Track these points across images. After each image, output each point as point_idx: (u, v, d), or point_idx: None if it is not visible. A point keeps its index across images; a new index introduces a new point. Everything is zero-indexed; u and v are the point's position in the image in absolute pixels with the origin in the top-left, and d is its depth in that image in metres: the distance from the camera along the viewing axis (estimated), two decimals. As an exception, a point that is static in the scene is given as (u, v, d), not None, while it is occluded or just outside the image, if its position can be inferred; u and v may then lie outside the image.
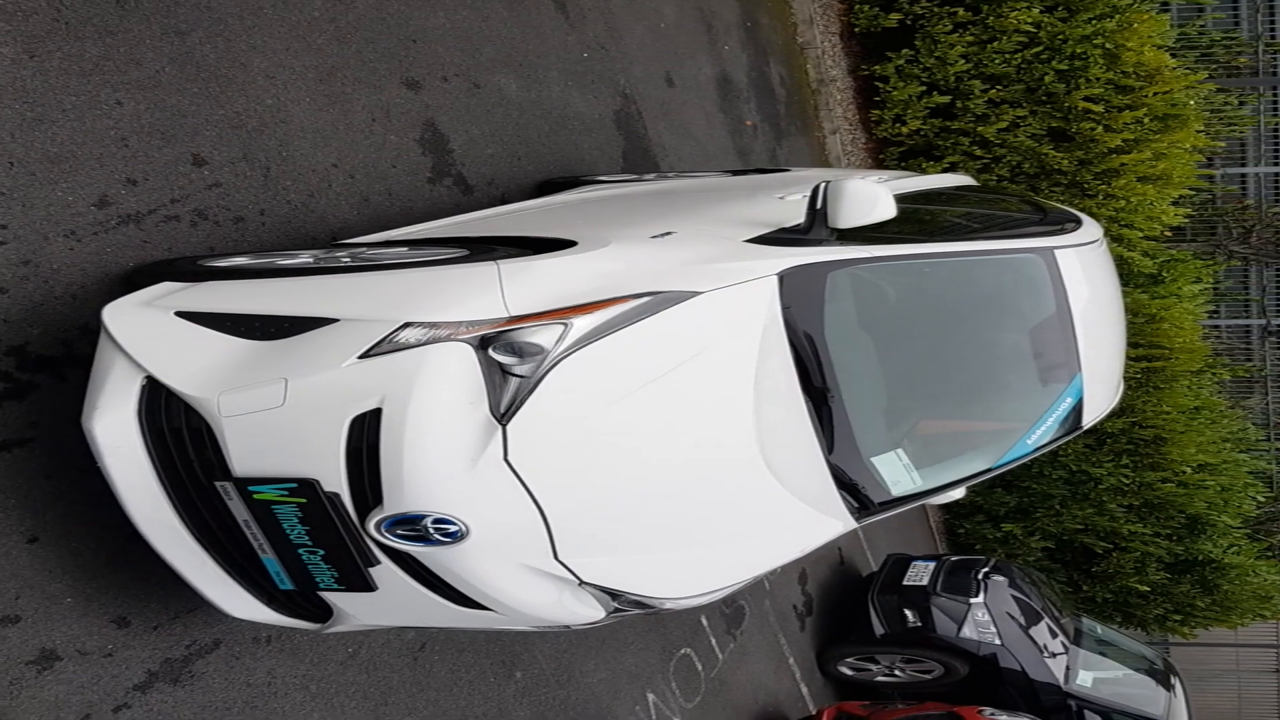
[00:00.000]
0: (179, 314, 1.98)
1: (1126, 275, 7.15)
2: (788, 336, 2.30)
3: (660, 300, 2.08)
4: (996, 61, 6.47)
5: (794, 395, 2.34)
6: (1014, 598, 5.85)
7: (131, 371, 1.90)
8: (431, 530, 1.90)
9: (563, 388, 1.93)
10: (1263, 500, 8.09)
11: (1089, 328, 2.94)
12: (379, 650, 2.90)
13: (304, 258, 2.29)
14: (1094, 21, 6.27)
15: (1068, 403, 2.98)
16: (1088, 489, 7.49)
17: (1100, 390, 3.10)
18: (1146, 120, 6.58)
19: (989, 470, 2.91)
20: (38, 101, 2.19)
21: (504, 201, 3.69)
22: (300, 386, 1.85)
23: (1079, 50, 6.32)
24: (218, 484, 1.90)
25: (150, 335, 1.94)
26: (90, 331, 2.23)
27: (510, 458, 1.91)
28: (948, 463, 2.79)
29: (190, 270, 2.16)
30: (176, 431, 1.91)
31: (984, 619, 5.63)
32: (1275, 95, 8.16)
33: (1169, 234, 7.41)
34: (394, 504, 1.87)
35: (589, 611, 2.18)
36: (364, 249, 2.37)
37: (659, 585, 2.24)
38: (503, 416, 1.90)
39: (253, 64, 2.73)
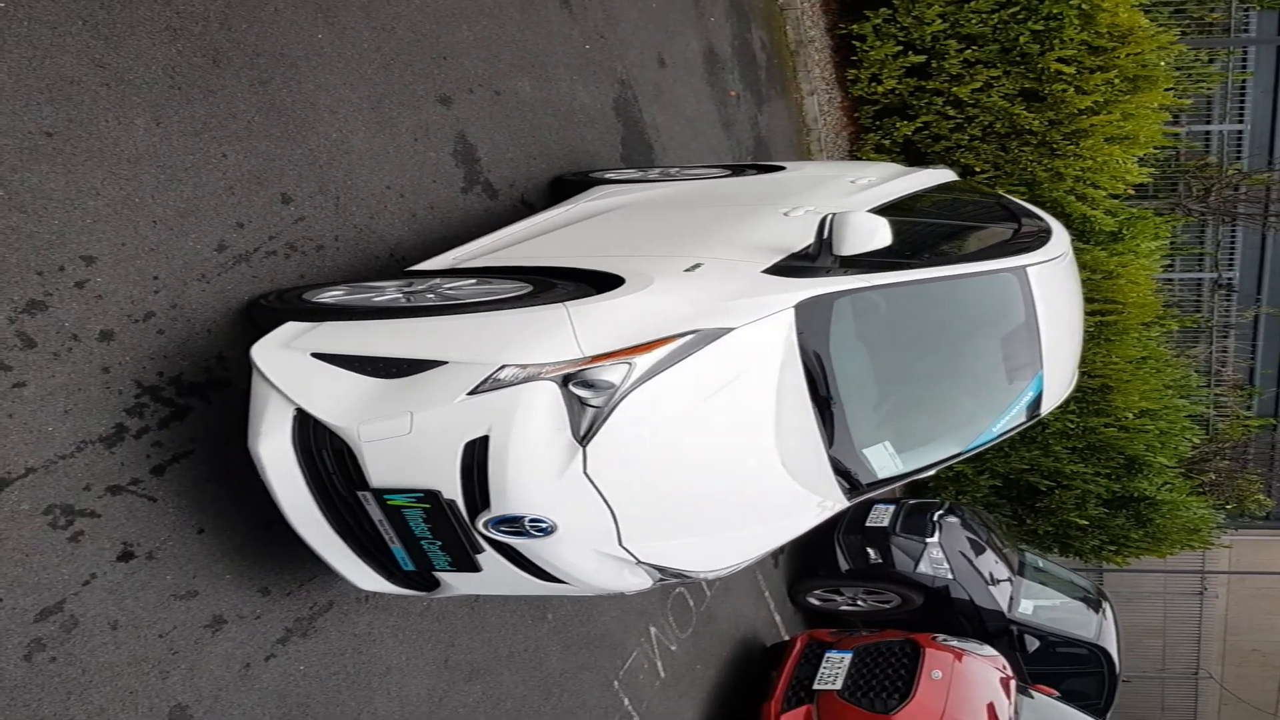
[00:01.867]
0: (315, 355, 2.64)
1: (1088, 233, 7.98)
2: (801, 357, 3.00)
3: (702, 337, 2.78)
4: (973, 21, 7.10)
5: (804, 403, 3.06)
6: (965, 537, 7.02)
7: (284, 404, 2.58)
8: (528, 527, 2.64)
9: (629, 417, 2.65)
10: (1198, 442, 9.27)
11: (1052, 331, 3.66)
12: (446, 603, 3.75)
13: (391, 292, 2.96)
14: None
15: (1029, 396, 3.72)
16: (1035, 433, 8.58)
17: (1057, 383, 3.85)
18: (1117, 82, 7.25)
19: (960, 453, 3.70)
20: (167, 164, 2.80)
21: (525, 203, 4.35)
22: (423, 418, 2.54)
23: (1055, 10, 6.96)
24: (360, 493, 2.60)
25: (295, 374, 2.60)
26: (224, 359, 2.93)
27: (589, 471, 2.63)
28: (925, 448, 3.57)
29: (297, 305, 2.83)
30: (322, 451, 2.61)
31: (938, 556, 6.78)
32: (1245, 54, 8.93)
33: (1131, 192, 8.27)
34: (500, 507, 2.59)
35: (640, 582, 2.96)
36: (439, 281, 3.05)
37: (697, 561, 3.03)
38: (582, 439, 2.62)
39: (320, 102, 3.33)
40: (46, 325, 2.47)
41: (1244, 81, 9.10)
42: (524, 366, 2.58)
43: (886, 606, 6.96)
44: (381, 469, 2.56)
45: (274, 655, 3.04)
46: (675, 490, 2.84)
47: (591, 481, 2.63)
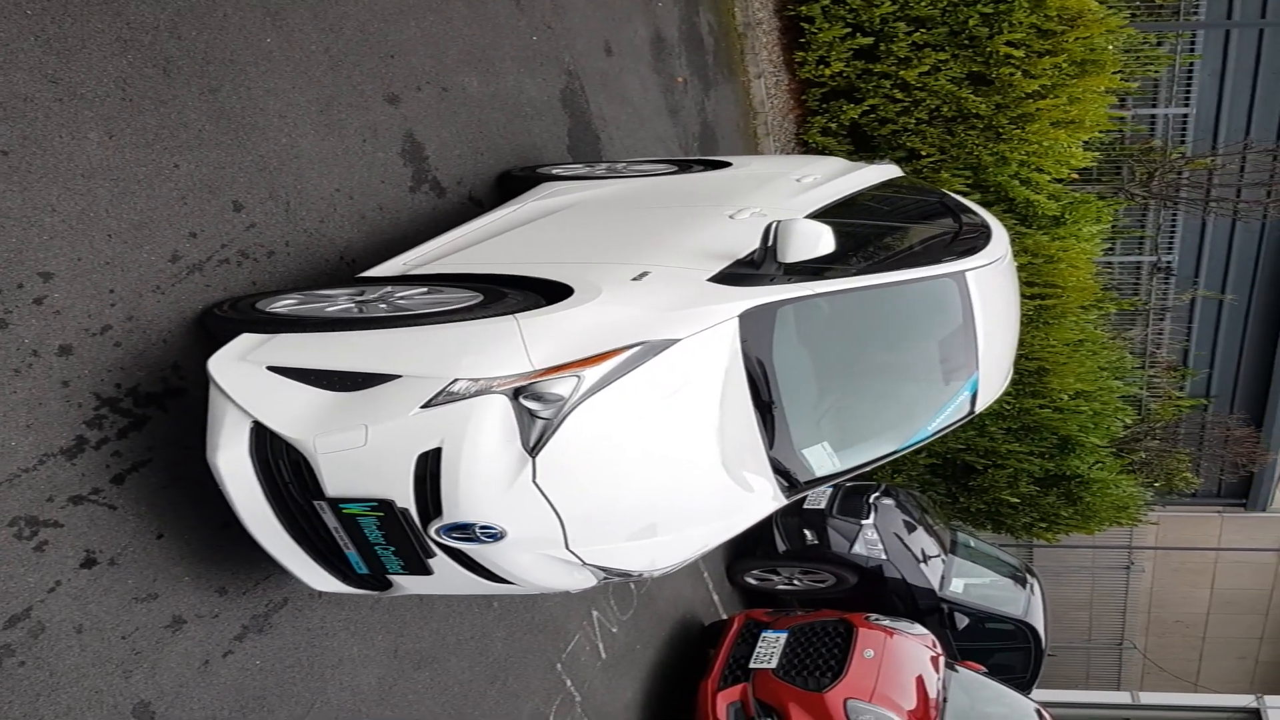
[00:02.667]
0: (270, 368, 2.86)
1: (1030, 218, 8.41)
2: (744, 364, 3.27)
3: (649, 348, 3.05)
4: (923, 3, 7.41)
5: (746, 407, 3.33)
6: (899, 518, 7.57)
7: (241, 417, 2.80)
8: (478, 533, 2.91)
9: (577, 429, 2.92)
10: (1130, 423, 9.95)
11: (988, 333, 3.96)
12: (396, 596, 4.08)
13: (343, 301, 3.19)
14: None
15: (964, 395, 4.04)
16: None
17: (992, 382, 4.17)
18: (1065, 66, 7.56)
19: (895, 451, 4.02)
20: (120, 176, 2.96)
21: (472, 199, 4.59)
22: (378, 431, 2.77)
23: None
24: (316, 503, 2.85)
25: (252, 387, 2.82)
26: (179, 368, 3.13)
27: (538, 480, 2.90)
28: (862, 446, 3.88)
29: (251, 315, 3.05)
30: (279, 461, 2.84)
31: (873, 538, 7.32)
32: (1193, 37, 9.33)
33: (1076, 176, 8.70)
34: (451, 515, 2.85)
35: (585, 581, 3.26)
36: (391, 291, 3.27)
37: (640, 562, 3.33)
38: (532, 450, 2.89)
39: (269, 107, 3.50)
40: (7, 343, 2.66)
41: (1191, 65, 9.54)
42: (476, 380, 2.83)
43: (822, 586, 7.50)
44: (337, 479, 2.80)
45: (231, 652, 3.30)
46: (621, 496, 3.13)
47: (540, 490, 2.90)
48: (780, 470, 3.55)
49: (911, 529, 7.57)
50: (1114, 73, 7.88)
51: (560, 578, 3.16)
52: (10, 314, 2.66)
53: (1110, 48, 7.80)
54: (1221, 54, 9.38)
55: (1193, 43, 9.52)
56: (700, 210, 3.97)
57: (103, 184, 2.91)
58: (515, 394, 2.84)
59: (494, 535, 2.90)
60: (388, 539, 2.92)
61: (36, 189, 2.72)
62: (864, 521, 7.28)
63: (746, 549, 7.54)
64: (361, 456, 2.77)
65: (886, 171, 4.99)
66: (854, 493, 7.54)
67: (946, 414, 3.97)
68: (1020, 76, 7.47)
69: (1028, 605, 7.82)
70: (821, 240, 3.28)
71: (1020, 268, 8.38)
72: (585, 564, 3.16)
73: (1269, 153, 9.50)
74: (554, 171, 4.70)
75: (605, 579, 3.29)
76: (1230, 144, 9.46)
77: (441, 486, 2.80)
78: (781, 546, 7.43)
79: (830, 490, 7.55)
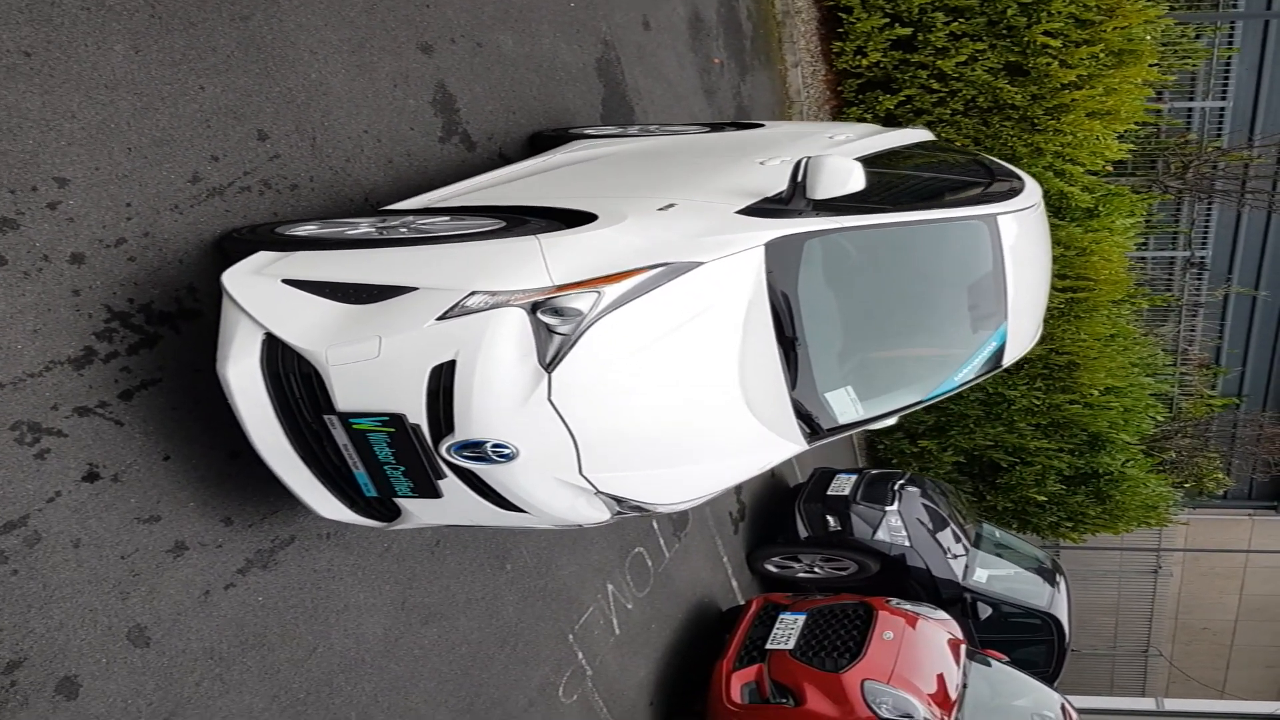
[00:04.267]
0: (285, 281, 2.68)
1: (1064, 210, 8.08)
2: (769, 296, 3.04)
3: (671, 270, 2.82)
4: None
5: (769, 343, 3.10)
6: (924, 506, 7.19)
7: (253, 328, 2.61)
8: (490, 452, 2.70)
9: (595, 345, 2.69)
10: (1161, 420, 9.48)
11: (1018, 283, 3.70)
12: (406, 545, 3.84)
13: (365, 227, 3.00)
14: None
15: (992, 346, 3.78)
16: (1001, 409, 8.77)
17: (1021, 336, 3.91)
18: (1102, 56, 7.29)
19: (920, 402, 3.75)
20: (144, 92, 2.83)
21: (502, 156, 4.40)
22: (392, 342, 2.58)
23: None
24: (326, 417, 2.66)
25: (265, 299, 2.64)
26: (195, 290, 2.98)
27: (552, 397, 2.68)
28: (886, 396, 3.62)
29: (269, 237, 2.87)
30: (290, 375, 2.66)
31: (896, 524, 6.96)
32: (1231, 30, 8.92)
33: (1110, 169, 8.33)
34: (463, 432, 2.65)
35: (598, 514, 3.03)
36: (413, 218, 3.09)
37: (655, 494, 3.08)
38: (548, 366, 2.66)
39: (300, 41, 3.35)
40: (17, 244, 2.51)
41: (1229, 58, 9.12)
42: (493, 294, 2.63)
43: (843, 574, 7.15)
44: (348, 392, 2.61)
45: (233, 585, 3.13)
46: (638, 422, 2.89)
47: (555, 408, 2.68)
48: (802, 414, 3.33)
49: (936, 517, 7.21)
50: (1151, 65, 7.56)
51: (572, 507, 2.93)
52: (22, 215, 2.51)
53: (1148, 38, 7.49)
54: (1260, 47, 8.96)
55: (1230, 36, 9.09)
56: (731, 157, 3.78)
57: (125, 97, 2.77)
58: (533, 308, 2.65)
59: (506, 454, 2.70)
60: (398, 458, 2.72)
61: (58, 94, 2.59)
62: (888, 508, 6.93)
63: (767, 536, 7.24)
64: (374, 369, 2.59)
65: (919, 134, 4.80)
66: (879, 480, 7.21)
67: (974, 365, 3.72)
68: (1057, 66, 7.20)
69: (1053, 599, 7.37)
70: (852, 177, 3.07)
71: (1052, 260, 7.98)
72: (599, 492, 2.94)
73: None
74: (586, 132, 4.49)
75: (619, 513, 3.06)
76: (1267, 136, 9.05)
77: (454, 401, 2.61)
78: (803, 533, 7.09)
79: (855, 477, 7.22)
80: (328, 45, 3.45)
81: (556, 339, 2.66)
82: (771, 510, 7.48)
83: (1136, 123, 8.10)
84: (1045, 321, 8.36)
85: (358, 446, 2.72)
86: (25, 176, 2.52)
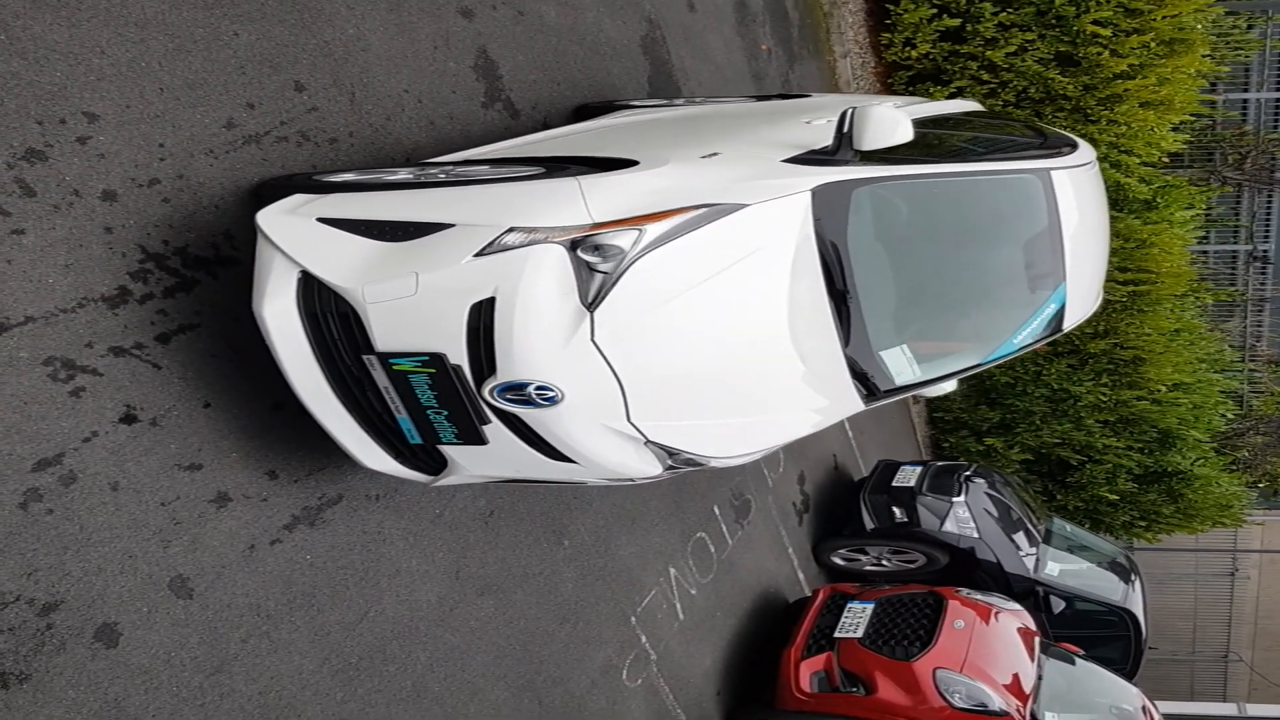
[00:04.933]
0: (320, 219, 2.48)
1: (1121, 201, 7.60)
2: (817, 244, 2.78)
3: (716, 211, 2.58)
4: None
5: (819, 294, 2.84)
6: (992, 497, 6.62)
7: (289, 267, 2.42)
8: (534, 395, 2.45)
9: (638, 283, 2.45)
10: (1232, 418, 8.76)
11: (1076, 242, 3.40)
12: (459, 513, 3.58)
13: (403, 174, 2.79)
14: None
15: (1051, 308, 3.47)
16: (1067, 406, 8.17)
17: (1081, 299, 3.59)
18: (1153, 45, 6.90)
19: (979, 365, 3.42)
20: (176, 33, 2.66)
21: (546, 125, 4.16)
22: (429, 279, 2.37)
23: None
24: (365, 358, 2.44)
25: (300, 237, 2.44)
26: (232, 237, 2.77)
27: (595, 338, 2.44)
28: (944, 357, 3.32)
29: (308, 185, 2.67)
30: (327, 315, 2.44)
31: (964, 516, 6.40)
32: None
33: (1166, 160, 7.87)
34: (505, 373, 2.42)
35: (649, 468, 2.74)
36: (452, 167, 2.87)
37: (707, 446, 2.79)
38: (590, 305, 2.43)
39: None
40: (46, 176, 2.34)
41: None
42: (532, 230, 2.42)
43: (911, 566, 6.62)
44: (386, 331, 2.40)
45: (279, 541, 2.88)
46: (685, 367, 2.64)
47: (599, 349, 2.46)
48: (857, 372, 3.04)
49: (1004, 510, 6.63)
50: (1203, 55, 7.12)
51: (621, 456, 2.67)
52: (51, 147, 2.33)
53: (1199, 27, 7.06)
54: None
55: None
56: (778, 118, 3.54)
57: (157, 36, 2.61)
58: (572, 245, 2.42)
59: (551, 398, 2.46)
60: (440, 401, 2.49)
61: (86, 28, 2.43)
62: (955, 499, 6.40)
63: (833, 528, 6.80)
64: (411, 306, 2.38)
65: (970, 105, 4.54)
66: (944, 471, 6.70)
67: (1033, 327, 3.39)
68: (1108, 56, 6.82)
69: (1127, 594, 6.67)
70: (899, 127, 2.83)
71: (1111, 252, 7.44)
72: (649, 441, 2.67)
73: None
74: (632, 104, 4.25)
75: (671, 466, 2.78)
76: None
77: (495, 340, 2.38)
78: (870, 524, 6.62)
79: (920, 469, 6.71)
80: (365, 1, 3.25)
81: (598, 277, 2.45)
82: (836, 501, 7.00)
83: (1191, 114, 7.64)
84: (1108, 315, 7.75)
85: (399, 389, 2.49)
86: (53, 109, 2.35)
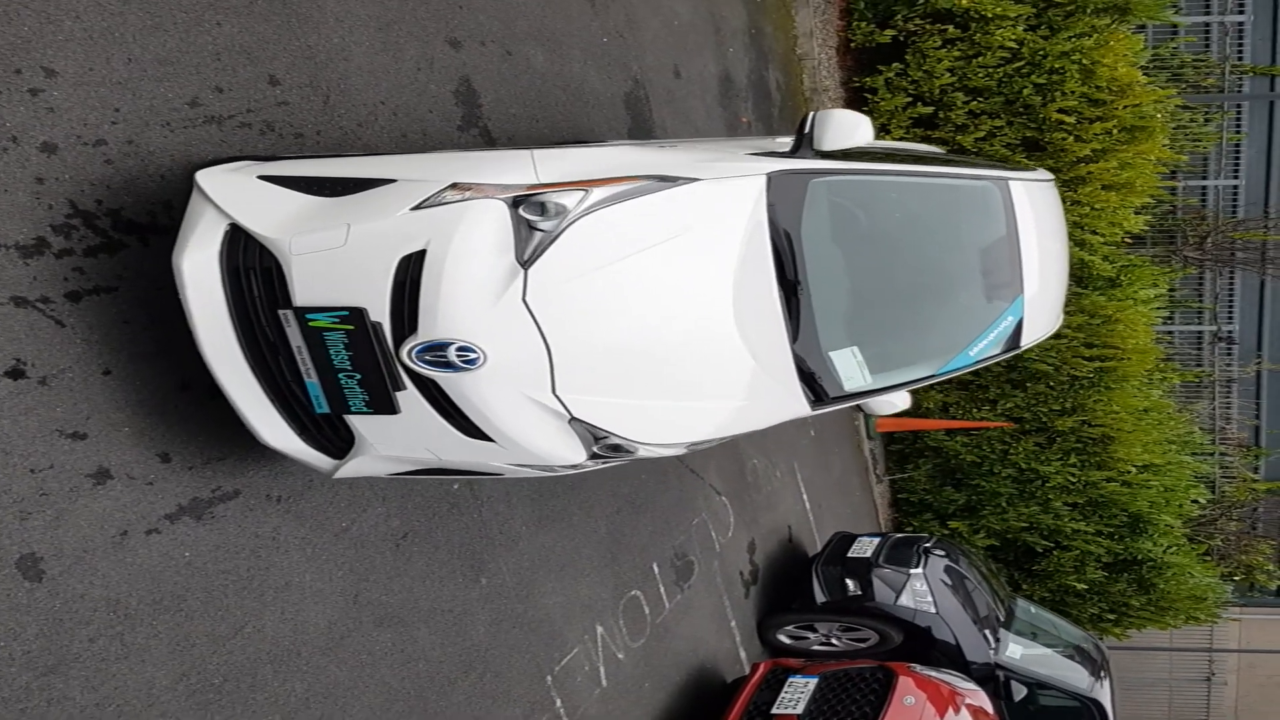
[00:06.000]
0: (261, 176, 2.42)
1: (1086, 279, 7.79)
2: (769, 230, 2.71)
3: (667, 181, 2.55)
4: (980, 75, 7.17)
5: (769, 283, 2.75)
6: (952, 571, 6.39)
7: (218, 219, 2.33)
8: (454, 358, 2.32)
9: (578, 243, 2.38)
10: (1204, 503, 8.73)
11: (1033, 256, 3.38)
12: (368, 531, 3.36)
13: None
14: (1074, 39, 7.00)
15: (1009, 321, 3.41)
16: (1035, 487, 8.09)
17: (1040, 316, 3.56)
18: (1115, 131, 7.22)
19: (933, 376, 3.36)
20: (156, 12, 2.76)
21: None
22: (360, 230, 2.29)
23: (1057, 65, 7.01)
24: (281, 312, 2.33)
25: (236, 192, 2.37)
26: (172, 208, 2.78)
27: (528, 298, 2.33)
28: (896, 367, 3.20)
29: (258, 156, 2.69)
30: (250, 270, 2.34)
31: (922, 589, 6.12)
32: (1239, 113, 8.89)
33: (1129, 240, 8.15)
34: (427, 331, 2.30)
35: (571, 452, 2.60)
36: None
37: (637, 429, 2.63)
38: (525, 262, 2.34)
39: (327, 7, 3.33)
40: (-15, 118, 2.25)
41: (1239, 142, 9.08)
42: (475, 185, 2.36)
43: (863, 645, 6.31)
44: (308, 284, 2.29)
45: (157, 531, 2.67)
46: (620, 340, 2.54)
47: (529, 310, 2.36)
48: (805, 374, 2.95)
49: (965, 585, 6.35)
50: (1163, 143, 7.54)
51: (543, 435, 2.53)
52: (-1, 93, 2.23)
53: (1159, 115, 7.47)
54: (1267, 130, 8.88)
55: (1239, 121, 9.02)
56: (749, 138, 3.55)
57: (137, 12, 2.71)
58: (515, 203, 2.38)
59: (472, 360, 2.35)
60: (354, 364, 2.39)
61: (64, -10, 2.40)
62: (912, 570, 6.19)
63: (781, 602, 6.55)
64: (338, 258, 2.29)
65: (936, 149, 4.85)
66: (903, 543, 6.55)
67: (990, 339, 3.37)
68: (1072, 141, 7.16)
69: (1094, 683, 6.27)
70: (859, 128, 2.89)
71: (1077, 328, 7.64)
72: (573, 418, 2.54)
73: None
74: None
75: (595, 455, 2.68)
76: None
77: (421, 294, 2.29)
78: (820, 598, 6.30)
79: (878, 540, 6.45)
80: (355, 17, 3.45)
81: (537, 235, 2.36)
82: (787, 576, 6.80)
83: (1152, 198, 7.99)
84: (1075, 392, 7.62)
85: (312, 350, 2.39)
86: (11, 59, 2.46)
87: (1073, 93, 6.97)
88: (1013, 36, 6.90)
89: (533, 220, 2.32)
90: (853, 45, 7.38)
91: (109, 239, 2.59)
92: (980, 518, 8.40)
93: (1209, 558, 8.85)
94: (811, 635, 6.46)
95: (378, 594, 3.33)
